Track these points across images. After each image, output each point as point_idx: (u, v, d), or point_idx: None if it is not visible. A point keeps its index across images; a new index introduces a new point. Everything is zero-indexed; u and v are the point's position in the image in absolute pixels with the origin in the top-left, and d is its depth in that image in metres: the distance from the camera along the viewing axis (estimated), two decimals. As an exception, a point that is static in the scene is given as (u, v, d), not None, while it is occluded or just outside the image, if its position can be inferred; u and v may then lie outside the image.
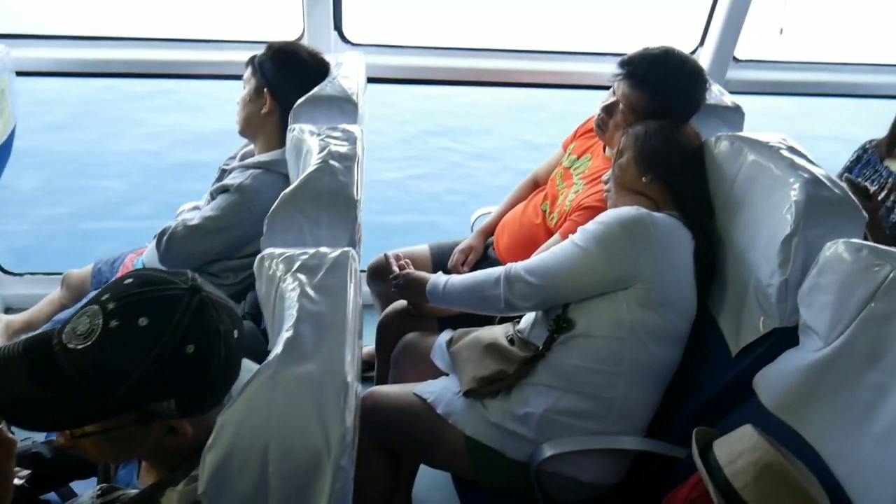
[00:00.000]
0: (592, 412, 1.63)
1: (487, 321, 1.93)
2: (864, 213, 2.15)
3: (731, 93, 2.58)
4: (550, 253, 1.69)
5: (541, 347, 1.68)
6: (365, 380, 2.28)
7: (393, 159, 5.71)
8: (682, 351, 1.70)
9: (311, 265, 1.15)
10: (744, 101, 2.08)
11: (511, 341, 1.76)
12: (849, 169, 2.49)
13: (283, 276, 1.16)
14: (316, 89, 1.91)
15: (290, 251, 1.22)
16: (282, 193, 1.43)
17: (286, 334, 1.00)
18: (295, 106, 1.85)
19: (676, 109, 1.87)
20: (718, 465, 1.29)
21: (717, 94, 2.03)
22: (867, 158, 2.45)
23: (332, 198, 1.42)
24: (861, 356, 1.28)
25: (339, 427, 0.89)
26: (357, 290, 1.18)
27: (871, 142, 2.46)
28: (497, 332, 1.83)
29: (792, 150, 1.64)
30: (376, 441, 1.78)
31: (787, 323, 1.50)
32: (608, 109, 1.97)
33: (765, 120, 4.03)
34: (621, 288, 1.61)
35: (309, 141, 1.61)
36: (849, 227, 1.46)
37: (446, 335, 1.95)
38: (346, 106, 1.84)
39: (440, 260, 2.33)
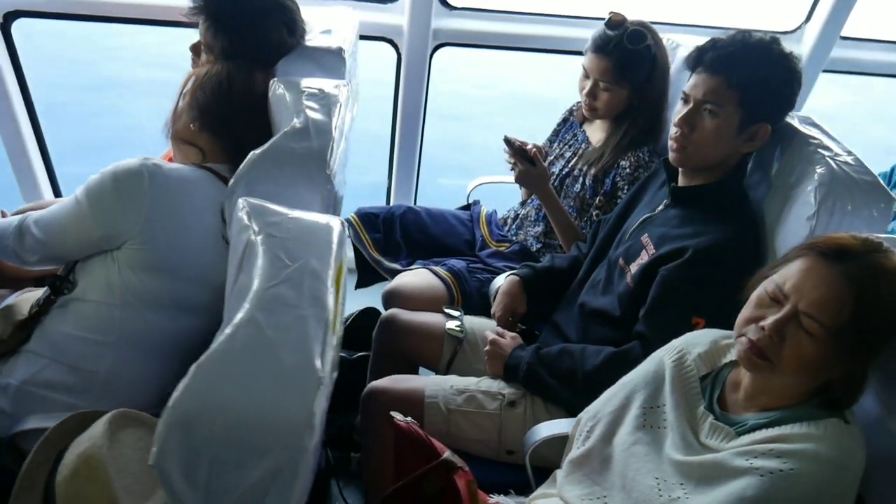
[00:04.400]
0: (74, 386, 1.44)
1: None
2: (534, 179, 1.98)
3: (446, 44, 2.37)
4: (58, 204, 1.48)
5: (34, 310, 1.49)
6: None
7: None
8: (211, 320, 1.51)
9: None
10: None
11: None
12: (556, 132, 2.26)
13: None
14: None
15: None
16: None
17: None
18: None
19: (249, 49, 1.63)
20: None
21: (324, 37, 1.78)
22: (571, 121, 2.23)
23: None
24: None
25: None
26: None
27: (577, 104, 2.23)
28: None
29: (319, 97, 1.43)
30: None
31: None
32: (196, 49, 1.74)
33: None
34: (113, 247, 1.41)
35: None
36: (306, 184, 1.25)
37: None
38: None
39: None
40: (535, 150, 1.97)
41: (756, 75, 1.49)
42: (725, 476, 1.14)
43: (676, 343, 1.37)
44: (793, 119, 1.59)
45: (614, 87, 1.93)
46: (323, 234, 1.04)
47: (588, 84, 1.97)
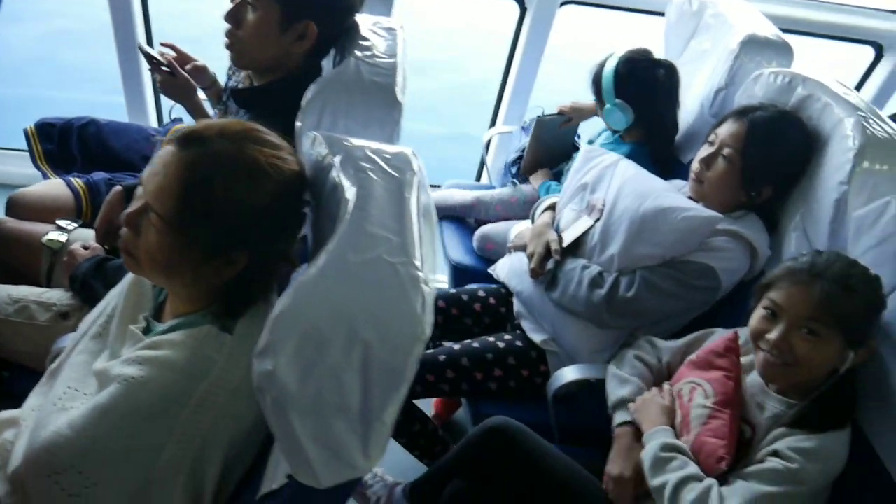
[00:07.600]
0: None
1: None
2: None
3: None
4: None
5: None
6: None
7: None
8: None
9: None
10: None
11: None
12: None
13: None
14: None
15: None
16: None
17: None
18: None
19: None
20: None
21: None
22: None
23: None
24: None
25: None
26: None
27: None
28: None
29: None
30: None
31: None
32: None
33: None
34: None
35: None
36: None
37: None
38: None
39: None
40: (171, 58, 1.82)
41: None
42: (103, 383, 1.05)
43: None
44: (366, 22, 1.46)
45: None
46: None
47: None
